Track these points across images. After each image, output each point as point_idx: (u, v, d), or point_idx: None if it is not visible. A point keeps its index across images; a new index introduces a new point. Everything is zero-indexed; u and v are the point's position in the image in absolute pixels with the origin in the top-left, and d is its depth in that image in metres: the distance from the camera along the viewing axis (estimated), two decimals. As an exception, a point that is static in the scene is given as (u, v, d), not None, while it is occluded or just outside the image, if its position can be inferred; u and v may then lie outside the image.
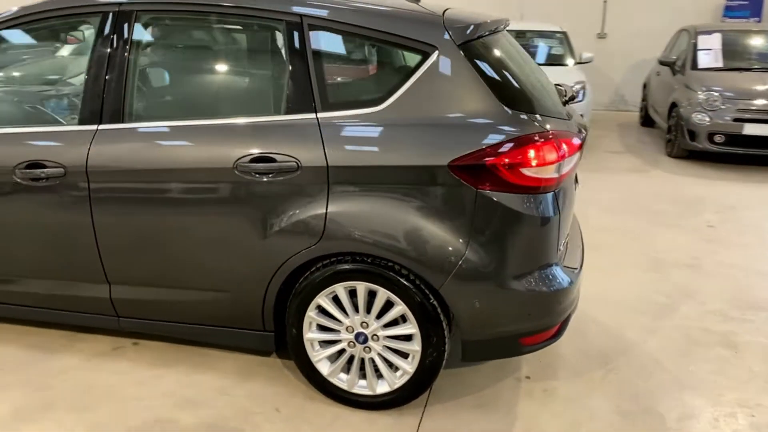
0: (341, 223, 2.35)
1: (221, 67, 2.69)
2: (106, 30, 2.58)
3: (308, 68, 2.39)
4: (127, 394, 2.68)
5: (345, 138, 2.34)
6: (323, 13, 2.41)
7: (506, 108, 2.30)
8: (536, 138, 2.26)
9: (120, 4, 2.58)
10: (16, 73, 2.92)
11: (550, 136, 2.30)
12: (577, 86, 7.28)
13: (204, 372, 2.84)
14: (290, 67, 2.42)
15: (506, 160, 2.23)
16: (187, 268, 2.59)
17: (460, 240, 2.30)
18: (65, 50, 2.94)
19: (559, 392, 2.74)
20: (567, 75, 7.51)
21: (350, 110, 2.37)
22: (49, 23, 2.72)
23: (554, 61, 8.23)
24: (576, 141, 2.45)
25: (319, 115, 2.37)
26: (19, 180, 2.60)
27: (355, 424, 2.51)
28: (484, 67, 2.36)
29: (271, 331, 2.61)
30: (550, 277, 2.42)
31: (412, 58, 2.36)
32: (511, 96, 2.36)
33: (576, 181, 3.53)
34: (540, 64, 8.10)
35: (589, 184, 6.08)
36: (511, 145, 2.24)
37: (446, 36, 2.33)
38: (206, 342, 2.89)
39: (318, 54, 2.40)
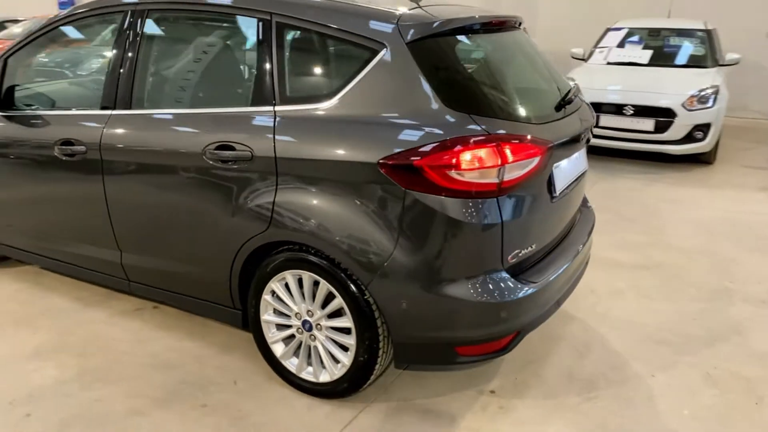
0: (285, 213, 2.44)
1: (203, 62, 2.91)
2: (117, 28, 2.94)
3: (271, 63, 2.52)
4: (123, 349, 3.03)
5: (293, 131, 2.43)
6: (289, 10, 2.51)
7: (447, 109, 2.23)
8: (469, 140, 2.17)
9: (128, 4, 2.92)
10: (64, 63, 3.41)
11: (487, 140, 2.19)
12: (708, 91, 6.56)
13: (193, 340, 3.10)
14: (257, 62, 2.56)
15: (432, 162, 2.16)
16: (172, 241, 2.85)
17: (389, 239, 2.28)
18: (102, 44, 3.39)
19: (516, 412, 2.59)
20: (696, 79, 6.79)
21: (303, 105, 2.45)
22: (89, 21, 3.15)
23: (691, 62, 7.45)
24: (535, 147, 2.30)
25: (277, 108, 2.48)
26: (57, 155, 3.05)
27: (296, 407, 2.60)
28: (434, 66, 2.30)
29: (239, 309, 2.79)
30: (490, 286, 2.30)
31: (362, 55, 2.37)
32: (461, 97, 2.27)
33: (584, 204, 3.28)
34: (672, 66, 7.52)
35: (701, 201, 5.49)
36: (438, 146, 2.17)
37: (396, 34, 2.31)
38: (196, 312, 3.14)
39: (281, 49, 2.52)
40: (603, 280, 3.87)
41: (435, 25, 2.36)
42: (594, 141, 6.91)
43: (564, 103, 2.72)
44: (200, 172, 2.62)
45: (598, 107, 6.85)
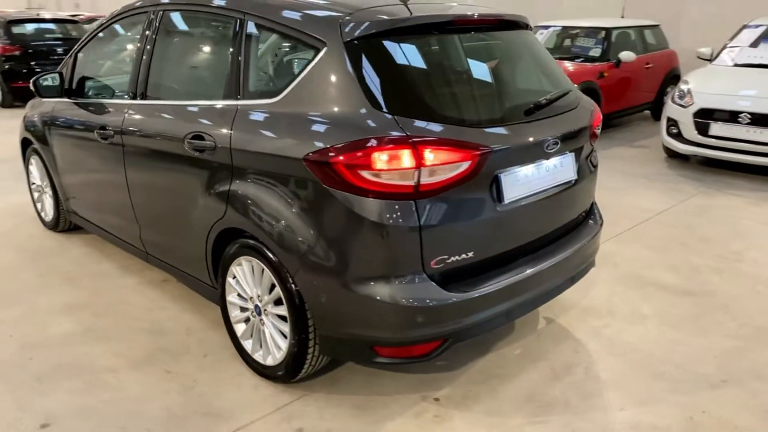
0: (237, 201, 2.59)
1: (194, 58, 3.14)
2: (140, 26, 3.28)
3: (239, 59, 2.67)
4: (133, 314, 3.39)
5: (245, 124, 2.56)
6: (255, 10, 2.65)
7: (373, 109, 2.22)
8: (383, 141, 2.15)
9: (142, 7, 3.26)
10: (105, 58, 3.86)
11: (402, 141, 2.15)
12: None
13: (192, 313, 3.38)
14: (230, 58, 2.73)
15: (346, 161, 2.18)
16: (168, 219, 3.14)
17: (311, 234, 2.33)
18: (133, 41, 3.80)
19: (450, 423, 2.50)
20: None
21: (258, 99, 2.58)
22: (130, 20, 3.53)
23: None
24: (463, 151, 2.22)
25: (239, 102, 2.64)
26: (97, 138, 3.49)
27: (244, 385, 2.74)
28: (369, 66, 2.29)
29: (216, 288, 3.00)
30: (406, 290, 2.26)
31: (308, 53, 2.43)
32: (390, 98, 2.25)
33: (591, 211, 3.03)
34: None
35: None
36: (351, 145, 2.18)
37: (336, 33, 2.34)
38: (190, 287, 3.39)
39: (248, 46, 2.66)
40: (629, 301, 3.55)
41: (377, 24, 2.35)
42: (704, 152, 6.24)
43: (535, 107, 2.56)
44: (181, 158, 2.86)
45: (710, 114, 6.16)
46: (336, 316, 2.38)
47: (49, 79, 3.80)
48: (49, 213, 4.53)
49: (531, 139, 2.48)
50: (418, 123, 2.22)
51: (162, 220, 3.21)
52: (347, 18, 2.37)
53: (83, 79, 3.85)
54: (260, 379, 2.78)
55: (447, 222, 2.29)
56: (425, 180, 2.19)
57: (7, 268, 3.95)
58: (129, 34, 3.59)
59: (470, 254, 2.38)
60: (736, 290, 3.69)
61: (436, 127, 2.24)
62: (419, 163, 2.16)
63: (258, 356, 2.78)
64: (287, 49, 2.61)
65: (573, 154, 2.76)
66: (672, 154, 6.87)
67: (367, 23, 2.35)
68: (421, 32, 2.49)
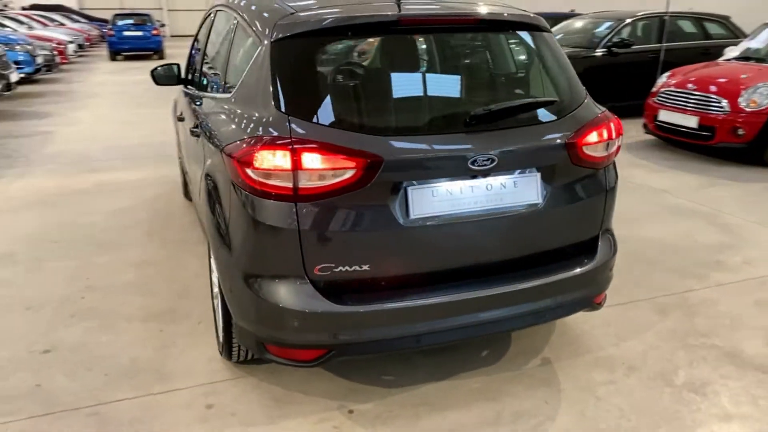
0: (207, 181, 2.81)
1: (216, 54, 3.38)
2: (210, 24, 3.68)
3: (228, 54, 2.88)
4: (177, 277, 3.84)
5: (210, 114, 2.77)
6: (233, 4, 2.84)
7: (274, 108, 2.25)
8: (266, 141, 2.17)
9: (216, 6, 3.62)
10: (198, 51, 4.36)
11: (283, 143, 2.14)
12: None
13: (201, 279, 3.74)
14: (228, 54, 2.94)
15: (239, 157, 2.24)
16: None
17: (223, 224, 2.45)
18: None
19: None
20: None
21: (223, 93, 2.77)
22: (210, 17, 3.97)
23: None
24: (350, 158, 2.13)
25: (219, 95, 2.86)
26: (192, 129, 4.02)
27: (204, 357, 2.96)
28: (285, 66, 2.29)
29: None
30: (282, 292, 2.26)
31: (253, 51, 2.51)
32: (292, 99, 2.25)
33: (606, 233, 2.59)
34: None
35: None
36: (242, 143, 2.24)
37: (269, 32, 2.40)
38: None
39: (232, 42, 2.86)
40: (667, 363, 2.93)
41: (301, 25, 2.33)
42: None
43: (475, 118, 2.29)
44: (197, 139, 3.17)
45: None
46: (236, 308, 2.47)
47: (166, 69, 4.46)
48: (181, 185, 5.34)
49: (453, 152, 2.24)
50: (311, 126, 2.19)
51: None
52: (285, 16, 2.40)
53: (187, 70, 4.43)
54: (216, 354, 2.99)
55: (333, 229, 2.21)
56: (305, 184, 2.15)
57: (127, 226, 4.76)
58: (208, 30, 4.05)
59: (365, 267, 2.26)
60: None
61: (325, 132, 2.17)
62: (296, 165, 2.13)
63: (219, 331, 2.99)
64: (248, 45, 2.71)
65: (539, 174, 2.40)
66: None
67: (294, 23, 2.35)
68: (359, 33, 2.41)
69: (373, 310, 2.27)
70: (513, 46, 2.60)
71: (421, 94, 2.47)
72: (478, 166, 2.26)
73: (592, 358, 2.96)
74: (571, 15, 11.63)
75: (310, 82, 2.33)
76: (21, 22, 19.26)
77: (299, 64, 2.32)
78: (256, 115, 2.32)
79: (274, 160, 2.15)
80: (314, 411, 2.58)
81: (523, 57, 2.60)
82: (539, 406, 2.61)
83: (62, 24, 24.60)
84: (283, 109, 2.23)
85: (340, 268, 2.25)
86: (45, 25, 21.70)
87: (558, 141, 2.41)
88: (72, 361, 2.94)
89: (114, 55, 20.23)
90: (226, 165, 2.37)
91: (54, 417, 2.53)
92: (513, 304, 2.46)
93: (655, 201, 5.39)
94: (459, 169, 2.26)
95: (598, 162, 2.55)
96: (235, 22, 2.91)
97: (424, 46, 2.54)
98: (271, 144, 2.16)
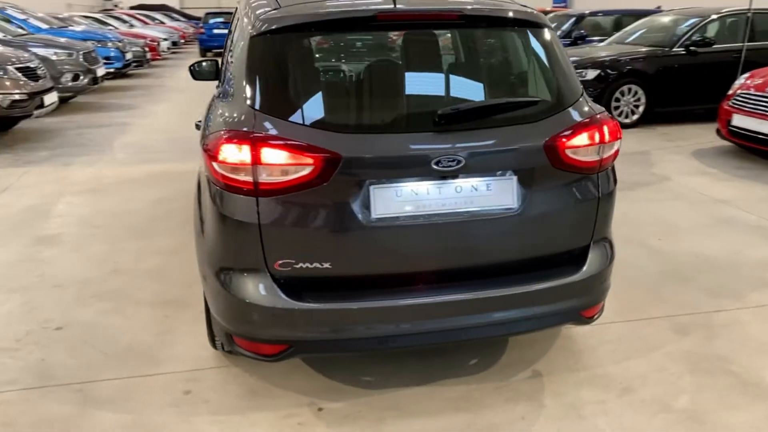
0: None
1: (227, 52, 3.41)
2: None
3: (230, 51, 2.94)
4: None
5: (207, 109, 2.83)
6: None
7: (243, 103, 2.27)
8: (227, 135, 2.19)
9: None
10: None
11: (243, 137, 2.15)
12: None
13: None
14: (231, 50, 2.99)
15: (207, 150, 2.29)
16: None
17: (200, 217, 2.51)
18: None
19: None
20: None
21: (218, 89, 2.83)
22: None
23: None
24: (308, 154, 2.12)
25: (216, 90, 2.92)
26: (197, 123, 4.15)
27: (197, 344, 3.03)
28: (257, 61, 2.30)
29: None
30: (242, 285, 2.28)
31: (242, 46, 2.53)
32: (258, 94, 2.26)
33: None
34: None
35: None
36: (212, 138, 2.27)
37: (253, 27, 2.41)
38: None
39: (234, 39, 2.90)
40: (670, 386, 2.71)
41: (278, 20, 2.33)
42: None
43: (443, 117, 2.21)
44: None
45: None
46: (209, 299, 2.51)
47: (203, 65, 4.60)
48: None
49: (416, 152, 2.17)
50: (275, 122, 2.19)
51: None
52: (269, 12, 2.42)
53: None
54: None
55: (294, 226, 2.21)
56: (265, 178, 2.16)
57: (164, 215, 4.95)
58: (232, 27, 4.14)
59: (327, 265, 2.24)
60: None
61: (287, 127, 2.17)
62: (256, 160, 2.14)
63: (215, 322, 3.06)
64: (240, 41, 2.73)
65: (516, 177, 2.29)
66: None
67: (274, 18, 2.35)
68: (336, 29, 2.38)
69: (334, 308, 2.25)
70: (500, 43, 2.49)
71: (391, 92, 2.41)
72: (443, 167, 2.18)
73: (587, 375, 2.79)
74: (655, 11, 11.00)
75: (280, 79, 2.33)
76: (124, 21, 20.61)
77: (272, 60, 2.33)
78: (233, 110, 2.34)
79: (235, 154, 2.17)
80: (285, 406, 2.59)
81: (510, 55, 2.48)
82: (513, 421, 2.49)
83: (162, 23, 26.11)
84: (252, 104, 2.25)
85: (301, 264, 2.24)
86: (146, 23, 23.12)
87: (536, 143, 2.28)
88: (78, 339, 3.10)
89: (204, 52, 21.18)
90: (204, 159, 2.42)
91: (44, 390, 2.68)
92: (483, 311, 2.36)
93: (711, 212, 5.00)
94: (423, 169, 2.19)
95: (586, 167, 2.39)
96: (238, 18, 2.97)
97: (400, 44, 2.48)
98: (233, 138, 2.18)
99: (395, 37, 2.49)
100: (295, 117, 2.21)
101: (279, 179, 2.16)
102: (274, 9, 2.43)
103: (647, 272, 3.84)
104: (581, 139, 2.34)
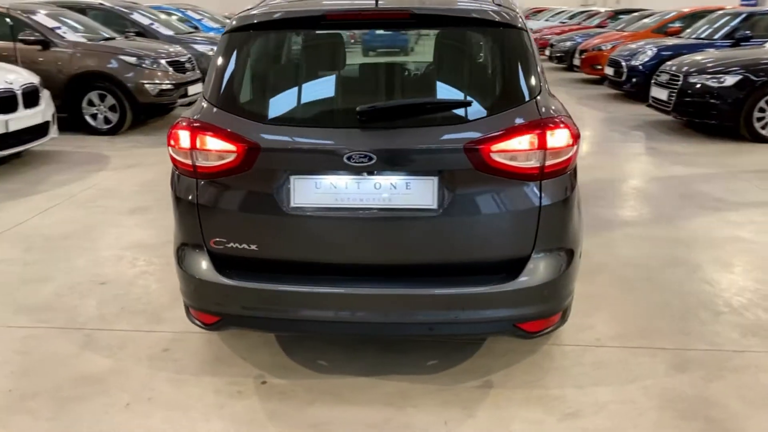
0: None
1: None
2: None
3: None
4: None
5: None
6: None
7: (202, 97, 2.52)
8: (179, 124, 2.44)
9: None
10: None
11: (187, 125, 2.40)
12: None
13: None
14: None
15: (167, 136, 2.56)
16: None
17: None
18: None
19: (240, 402, 2.60)
20: None
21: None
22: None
23: None
24: (232, 142, 2.31)
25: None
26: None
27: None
28: (221, 58, 2.52)
29: None
30: (185, 256, 2.55)
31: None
32: (212, 87, 2.49)
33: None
34: None
35: None
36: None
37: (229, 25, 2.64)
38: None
39: None
40: (633, 421, 2.48)
41: (244, 19, 2.53)
42: None
43: (364, 114, 2.26)
44: None
45: None
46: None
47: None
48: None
49: (329, 146, 2.25)
50: (216, 112, 2.41)
51: None
52: (246, 10, 2.63)
53: None
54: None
55: (224, 207, 2.42)
56: (200, 163, 2.39)
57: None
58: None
59: (253, 247, 2.42)
60: None
61: (223, 117, 2.38)
62: (192, 145, 2.38)
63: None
64: None
65: (437, 178, 2.26)
66: None
67: (243, 17, 2.55)
68: (289, 28, 2.52)
69: (254, 288, 2.42)
70: (451, 43, 2.44)
71: (324, 88, 2.50)
72: (355, 162, 2.24)
73: (539, 394, 2.64)
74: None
75: (228, 73, 2.52)
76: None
77: (227, 56, 2.54)
78: (198, 101, 2.61)
79: (180, 140, 2.42)
80: (236, 374, 2.81)
81: (458, 55, 2.43)
82: (434, 425, 2.47)
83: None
84: (205, 96, 2.49)
85: (231, 244, 2.44)
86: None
87: (456, 145, 2.23)
88: (112, 293, 3.61)
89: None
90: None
91: (62, 331, 3.19)
92: (402, 309, 2.37)
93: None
94: (337, 163, 2.26)
95: (523, 173, 2.28)
96: None
97: (346, 42, 2.55)
98: (179, 125, 2.44)
99: (352, 36, 2.57)
100: (232, 108, 2.41)
101: (211, 164, 2.38)
102: (251, 8, 2.64)
103: (684, 300, 3.45)
104: (511, 143, 2.24)
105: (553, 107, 2.40)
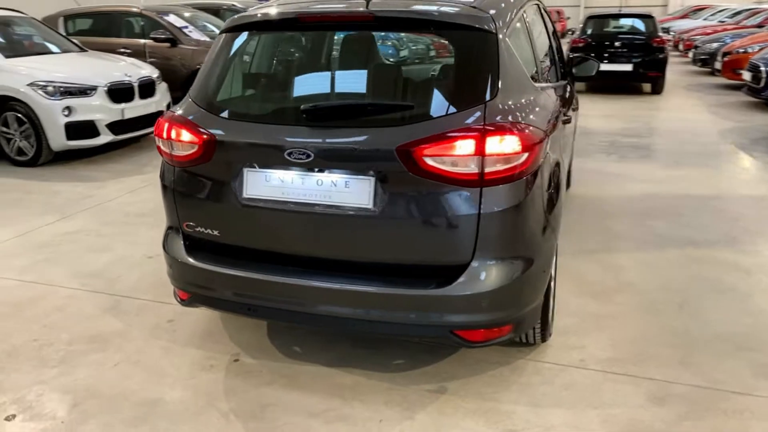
0: None
1: None
2: None
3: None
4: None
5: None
6: None
7: (188, 92, 2.76)
8: (166, 117, 2.70)
9: None
10: None
11: (167, 118, 2.65)
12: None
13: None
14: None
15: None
16: None
17: None
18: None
19: (212, 375, 2.82)
20: None
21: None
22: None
23: None
24: (196, 135, 2.52)
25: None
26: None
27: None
28: (212, 54, 2.75)
29: None
30: (168, 239, 2.80)
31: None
32: (198, 86, 2.71)
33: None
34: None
35: None
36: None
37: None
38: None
39: None
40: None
41: (234, 20, 2.73)
42: None
43: (307, 112, 2.35)
44: None
45: None
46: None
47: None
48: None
49: (272, 142, 2.37)
50: (191, 106, 2.64)
51: None
52: (243, 12, 2.84)
53: None
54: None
55: (192, 194, 2.64)
56: (175, 152, 2.63)
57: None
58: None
59: (216, 233, 2.62)
60: None
61: (194, 111, 2.60)
62: (168, 136, 2.63)
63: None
64: None
65: (374, 178, 2.29)
66: None
67: (237, 17, 2.75)
68: (269, 29, 2.66)
69: (213, 270, 2.61)
70: (412, 45, 2.44)
71: (284, 86, 2.59)
72: (295, 158, 2.34)
73: (490, 407, 2.57)
74: None
75: (205, 71, 2.73)
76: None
77: (209, 56, 2.76)
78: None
79: (162, 131, 2.68)
80: (216, 350, 3.04)
81: (416, 56, 2.42)
82: (369, 420, 2.51)
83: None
84: (190, 92, 2.73)
85: (199, 228, 2.66)
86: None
87: (389, 147, 2.24)
88: (153, 267, 4.02)
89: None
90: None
91: (97, 294, 3.63)
92: (339, 304, 2.44)
93: None
94: (280, 159, 2.38)
95: (460, 179, 2.24)
96: None
97: (315, 43, 2.63)
98: (162, 118, 2.69)
99: (306, 37, 2.65)
100: (202, 103, 2.62)
101: (181, 153, 2.61)
102: (248, 8, 2.84)
103: (708, 329, 3.13)
104: (444, 148, 2.21)
105: (512, 113, 2.32)
